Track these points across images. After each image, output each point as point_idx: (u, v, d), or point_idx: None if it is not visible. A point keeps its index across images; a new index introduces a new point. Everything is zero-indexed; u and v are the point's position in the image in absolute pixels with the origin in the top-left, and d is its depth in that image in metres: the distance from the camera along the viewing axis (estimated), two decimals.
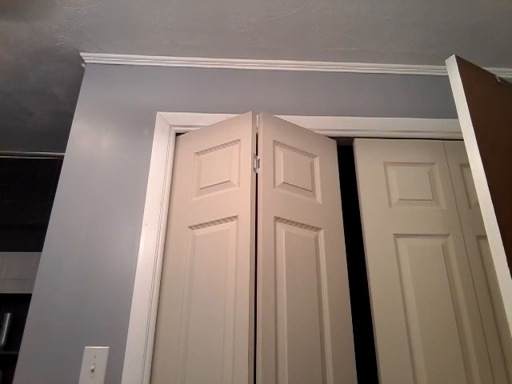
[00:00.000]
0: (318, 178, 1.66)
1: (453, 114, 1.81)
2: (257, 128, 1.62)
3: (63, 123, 2.40)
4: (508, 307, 1.05)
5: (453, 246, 1.59)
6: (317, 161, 1.69)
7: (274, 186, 1.52)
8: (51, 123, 2.42)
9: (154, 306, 1.43)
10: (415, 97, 1.90)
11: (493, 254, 1.11)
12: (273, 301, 1.33)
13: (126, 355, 1.35)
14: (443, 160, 1.76)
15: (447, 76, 1.95)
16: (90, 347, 1.36)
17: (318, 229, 1.56)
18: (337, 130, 1.79)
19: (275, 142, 1.61)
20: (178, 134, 1.77)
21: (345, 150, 1.91)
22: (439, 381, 1.38)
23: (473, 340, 1.44)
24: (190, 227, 1.53)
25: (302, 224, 1.52)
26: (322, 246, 1.53)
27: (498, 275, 1.09)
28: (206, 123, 1.75)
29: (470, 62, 1.40)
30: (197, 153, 1.67)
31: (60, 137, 2.50)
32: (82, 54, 1.86)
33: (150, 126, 1.75)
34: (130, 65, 1.89)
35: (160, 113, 1.77)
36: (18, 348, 2.28)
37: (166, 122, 1.75)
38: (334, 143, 1.79)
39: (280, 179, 1.55)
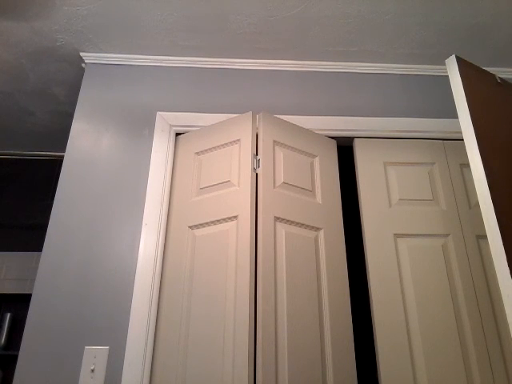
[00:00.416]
0: (318, 178, 1.66)
1: (453, 114, 1.81)
2: (257, 128, 1.62)
3: (63, 123, 2.40)
4: (508, 307, 1.05)
5: (453, 246, 1.59)
6: (317, 161, 1.69)
7: (274, 186, 1.52)
8: (51, 123, 2.42)
9: (154, 306, 1.43)
10: (415, 97, 1.90)
11: (493, 254, 1.11)
12: (273, 301, 1.33)
13: (126, 355, 1.35)
14: (443, 160, 1.76)
15: (447, 76, 1.94)
16: (90, 347, 1.36)
17: (318, 229, 1.56)
18: (337, 130, 1.79)
19: (275, 142, 1.61)
20: (178, 134, 1.77)
21: (345, 150, 1.91)
22: (439, 381, 1.38)
23: (473, 340, 1.44)
24: (190, 227, 1.53)
25: (302, 224, 1.52)
26: (321, 246, 1.53)
27: (498, 275, 1.09)
28: (205, 123, 1.75)
29: (470, 62, 1.40)
30: (197, 153, 1.67)
31: (60, 137, 2.50)
32: (81, 53, 1.86)
33: (150, 126, 1.75)
34: (130, 65, 1.89)
35: (160, 113, 1.77)
36: (18, 348, 2.28)
37: (165, 122, 1.75)
38: (334, 143, 1.79)
39: (280, 179, 1.55)
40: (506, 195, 1.19)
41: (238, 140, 1.59)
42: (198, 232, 1.51)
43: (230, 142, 1.61)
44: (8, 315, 2.47)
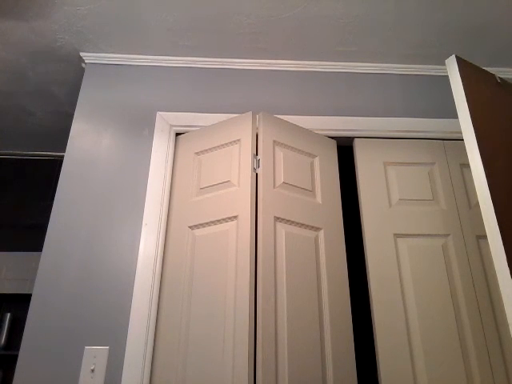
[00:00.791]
0: (318, 177, 1.66)
1: (453, 114, 1.81)
2: (257, 128, 1.62)
3: (63, 123, 2.40)
4: (508, 307, 1.05)
5: (453, 246, 1.59)
6: (317, 161, 1.69)
7: (274, 186, 1.52)
8: (51, 123, 2.42)
9: (154, 307, 1.43)
10: (415, 97, 1.90)
11: (493, 254, 1.11)
12: (273, 301, 1.33)
13: (126, 355, 1.35)
14: (443, 160, 1.76)
15: (447, 76, 1.95)
16: (90, 347, 1.36)
17: (318, 229, 1.56)
18: (337, 129, 1.79)
19: (275, 142, 1.61)
20: (178, 134, 1.77)
21: (345, 150, 1.91)
22: (439, 381, 1.38)
23: (473, 340, 1.44)
24: (190, 227, 1.53)
25: (302, 224, 1.52)
26: (322, 246, 1.53)
27: (498, 275, 1.09)
28: (206, 123, 1.75)
29: (470, 62, 1.40)
30: (197, 153, 1.67)
31: (60, 137, 2.50)
32: (81, 53, 1.86)
33: (149, 126, 1.75)
34: (130, 65, 1.89)
35: (160, 113, 1.77)
36: (18, 348, 2.28)
37: (165, 121, 1.75)
38: (334, 143, 1.79)
39: (280, 179, 1.55)
40: (505, 195, 1.19)
41: (238, 140, 1.59)
42: (197, 232, 1.51)
43: (230, 142, 1.61)
44: (8, 315, 2.48)
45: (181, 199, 1.60)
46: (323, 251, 1.52)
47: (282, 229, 1.46)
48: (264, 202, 1.45)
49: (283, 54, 1.88)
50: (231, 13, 1.65)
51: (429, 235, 1.61)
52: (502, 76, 1.90)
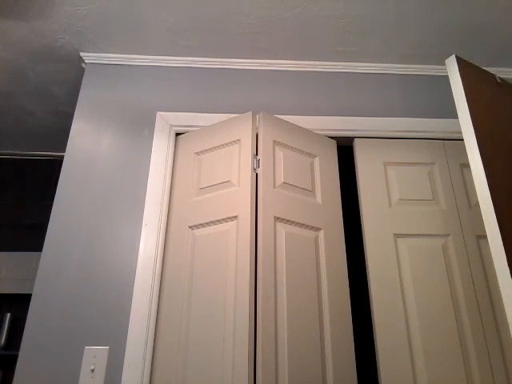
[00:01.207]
0: (318, 177, 1.66)
1: (453, 114, 1.81)
2: (257, 128, 1.62)
3: (63, 123, 2.40)
4: (508, 307, 1.05)
5: (453, 246, 1.59)
6: (317, 161, 1.69)
7: (274, 186, 1.52)
8: (51, 123, 2.42)
9: (154, 307, 1.43)
10: (415, 97, 1.90)
11: (493, 254, 1.11)
12: (273, 301, 1.33)
13: (126, 355, 1.35)
14: (443, 160, 1.76)
15: (447, 76, 1.95)
16: (90, 347, 1.36)
17: (318, 229, 1.56)
18: (337, 130, 1.79)
19: (275, 142, 1.61)
20: (178, 134, 1.77)
21: (345, 150, 1.91)
22: (439, 381, 1.38)
23: (473, 340, 1.44)
24: (190, 227, 1.53)
25: (302, 224, 1.52)
26: (322, 245, 1.53)
27: (498, 275, 1.09)
28: (206, 123, 1.75)
29: (470, 62, 1.40)
30: (197, 153, 1.67)
31: (60, 137, 2.50)
32: (81, 53, 1.86)
33: (149, 126, 1.75)
34: (130, 65, 1.89)
35: (160, 113, 1.77)
36: (18, 348, 2.28)
37: (165, 121, 1.75)
38: (334, 143, 1.79)
39: (280, 179, 1.55)
40: (505, 195, 1.19)
41: (238, 140, 1.59)
42: (197, 232, 1.51)
43: (230, 142, 1.61)
44: (8, 315, 2.48)
45: (181, 199, 1.60)
46: (323, 251, 1.52)
47: (281, 229, 1.46)
48: (264, 202, 1.45)
49: (283, 54, 1.88)
50: (231, 13, 1.65)
51: (429, 235, 1.61)
52: (502, 76, 1.90)
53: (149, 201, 1.58)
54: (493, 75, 1.45)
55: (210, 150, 1.64)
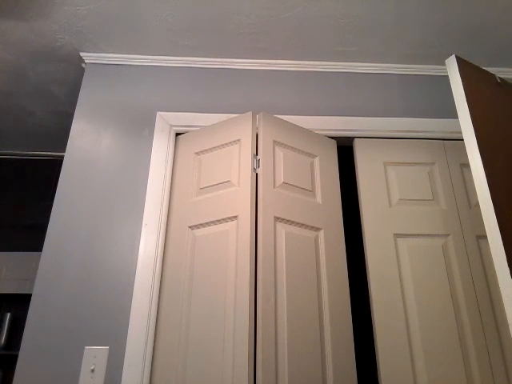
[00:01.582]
0: (318, 177, 1.66)
1: (453, 114, 1.81)
2: (257, 128, 1.62)
3: (63, 123, 2.40)
4: (508, 307, 1.05)
5: (453, 246, 1.59)
6: (317, 161, 1.69)
7: (274, 186, 1.52)
8: (51, 123, 2.42)
9: (154, 307, 1.43)
10: (415, 97, 1.90)
11: (493, 254, 1.11)
12: (273, 301, 1.33)
13: (125, 355, 1.35)
14: (443, 160, 1.76)
15: (447, 76, 1.94)
16: (90, 347, 1.36)
17: (318, 229, 1.56)
18: (337, 130, 1.79)
19: (275, 142, 1.61)
20: (178, 134, 1.77)
21: (345, 150, 1.91)
22: (439, 381, 1.38)
23: (473, 340, 1.44)
24: (190, 227, 1.53)
25: (302, 224, 1.52)
26: (322, 245, 1.53)
27: (498, 275, 1.09)
28: (206, 123, 1.75)
29: (470, 62, 1.40)
30: (197, 153, 1.67)
31: (60, 137, 2.50)
32: (81, 53, 1.86)
33: (149, 126, 1.75)
34: (130, 65, 1.89)
35: (160, 113, 1.77)
36: (18, 348, 2.28)
37: (165, 121, 1.75)
38: (333, 143, 1.79)
39: (280, 179, 1.55)
40: (505, 195, 1.19)
41: (238, 140, 1.59)
42: (198, 232, 1.51)
43: (230, 142, 1.61)
44: (8, 315, 2.48)
45: (181, 199, 1.60)
46: (323, 251, 1.52)
47: (282, 229, 1.46)
48: (264, 202, 1.45)
49: (283, 54, 1.88)
50: (231, 13, 1.65)
51: (429, 235, 1.61)
52: (502, 76, 1.90)
53: (149, 201, 1.58)
54: (493, 75, 1.45)
55: (210, 149, 1.64)
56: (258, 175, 1.51)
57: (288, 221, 1.49)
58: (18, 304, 2.56)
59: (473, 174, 1.21)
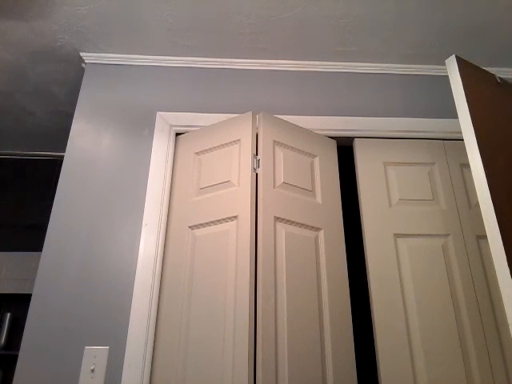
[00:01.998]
0: (318, 177, 1.66)
1: (453, 114, 1.81)
2: (257, 128, 1.62)
3: (63, 123, 2.40)
4: (508, 307, 1.05)
5: (453, 246, 1.59)
6: (317, 161, 1.69)
7: (274, 186, 1.52)
8: (51, 123, 2.42)
9: (154, 307, 1.43)
10: (415, 97, 1.90)
11: (493, 254, 1.11)
12: (273, 301, 1.33)
13: (125, 355, 1.35)
14: (443, 160, 1.76)
15: (447, 76, 1.94)
16: (90, 347, 1.36)
17: (318, 229, 1.56)
18: (337, 129, 1.79)
19: (275, 142, 1.61)
20: (178, 134, 1.77)
21: (345, 150, 1.91)
22: (439, 381, 1.38)
23: (473, 340, 1.44)
24: (190, 227, 1.53)
25: (302, 224, 1.52)
26: (322, 245, 1.53)
27: (498, 275, 1.09)
28: (206, 123, 1.75)
29: (470, 62, 1.40)
30: (197, 153, 1.67)
31: (60, 137, 2.50)
32: (81, 53, 1.86)
33: (149, 126, 1.75)
34: (130, 65, 1.89)
35: (160, 113, 1.77)
36: (18, 348, 2.28)
37: (165, 121, 1.75)
38: (334, 143, 1.79)
39: (280, 179, 1.55)
40: (505, 195, 1.19)
41: (238, 140, 1.59)
42: (198, 232, 1.51)
43: (230, 142, 1.61)
44: (8, 315, 2.48)
45: (181, 199, 1.60)
46: (323, 251, 1.52)
47: (282, 229, 1.46)
48: (264, 202, 1.45)
49: (283, 54, 1.88)
50: (231, 13, 1.65)
51: (429, 235, 1.61)
52: (502, 76, 1.90)
53: (149, 201, 1.58)
54: (493, 75, 1.45)
55: (210, 149, 1.64)
56: (258, 175, 1.51)
57: (288, 221, 1.49)
58: (18, 304, 2.56)
59: (473, 174, 1.21)
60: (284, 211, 1.49)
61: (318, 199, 1.62)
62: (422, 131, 1.80)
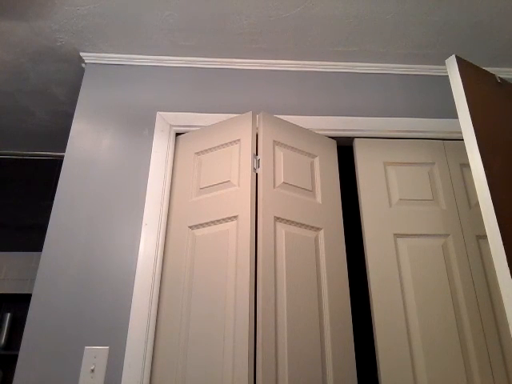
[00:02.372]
0: (318, 177, 1.66)
1: (453, 113, 1.81)
2: (257, 128, 1.62)
3: (63, 123, 2.40)
4: (508, 307, 1.05)
5: (453, 246, 1.59)
6: (317, 161, 1.69)
7: (274, 186, 1.52)
8: (51, 123, 2.42)
9: (154, 306, 1.43)
10: (415, 97, 1.90)
11: (493, 254, 1.11)
12: (273, 301, 1.33)
13: (125, 355, 1.35)
14: (443, 160, 1.76)
15: (447, 76, 1.95)
16: (90, 347, 1.36)
17: (318, 229, 1.56)
18: (337, 129, 1.79)
19: (275, 142, 1.61)
20: (177, 134, 1.77)
21: (345, 150, 1.91)
22: (439, 381, 1.38)
23: (473, 340, 1.44)
24: (190, 227, 1.53)
25: (302, 224, 1.52)
26: (322, 246, 1.53)
27: (498, 275, 1.09)
28: (206, 123, 1.75)
29: (470, 62, 1.40)
30: (197, 153, 1.67)
31: (60, 137, 2.50)
32: (81, 53, 1.86)
33: (149, 126, 1.75)
34: (130, 65, 1.89)
35: (160, 113, 1.77)
36: (18, 348, 2.28)
37: (165, 121, 1.75)
38: (334, 143, 1.79)
39: (280, 179, 1.55)
40: (505, 195, 1.19)
41: (238, 140, 1.59)
42: (198, 232, 1.51)
43: (230, 142, 1.61)
44: (8, 315, 2.48)
45: (181, 199, 1.60)
46: (323, 251, 1.52)
47: (281, 229, 1.46)
48: (264, 201, 1.45)
49: (283, 54, 1.88)
50: (231, 13, 1.65)
51: (429, 235, 1.61)
52: (502, 76, 1.90)
53: (149, 201, 1.58)
54: (493, 75, 1.45)
55: (210, 150, 1.64)
56: (258, 175, 1.51)
57: (288, 221, 1.49)
58: (18, 304, 2.56)
59: (473, 174, 1.21)
60: (284, 211, 1.49)
61: (318, 199, 1.62)
62: (422, 131, 1.80)
